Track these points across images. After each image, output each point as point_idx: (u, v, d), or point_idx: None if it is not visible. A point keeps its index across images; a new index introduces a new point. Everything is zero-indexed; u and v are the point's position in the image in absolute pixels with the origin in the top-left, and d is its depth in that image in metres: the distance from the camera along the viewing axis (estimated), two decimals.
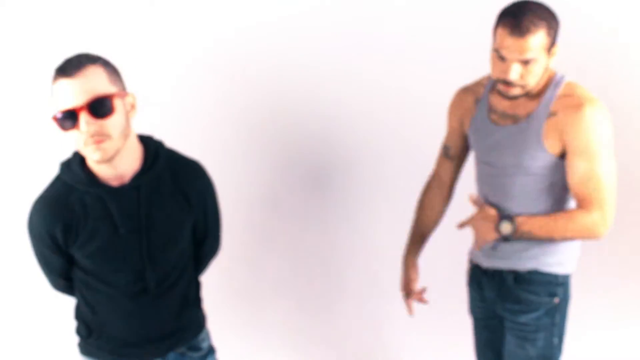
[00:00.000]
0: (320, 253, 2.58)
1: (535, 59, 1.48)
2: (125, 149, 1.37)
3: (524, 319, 1.69)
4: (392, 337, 2.64)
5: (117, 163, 1.38)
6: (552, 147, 1.57)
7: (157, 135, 2.36)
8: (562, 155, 1.58)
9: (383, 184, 2.50)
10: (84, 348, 1.57)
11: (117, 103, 1.32)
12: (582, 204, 1.54)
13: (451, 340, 2.61)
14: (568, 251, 1.68)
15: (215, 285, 2.57)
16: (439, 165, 1.90)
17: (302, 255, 2.59)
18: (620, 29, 2.32)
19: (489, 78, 1.76)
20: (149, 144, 1.47)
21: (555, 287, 1.67)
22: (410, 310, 1.95)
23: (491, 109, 1.69)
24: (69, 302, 2.48)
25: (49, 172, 2.35)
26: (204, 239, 1.61)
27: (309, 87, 2.41)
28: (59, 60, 2.30)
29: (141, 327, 1.50)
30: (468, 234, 2.50)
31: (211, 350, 1.68)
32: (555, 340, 1.71)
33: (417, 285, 2.08)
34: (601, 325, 2.61)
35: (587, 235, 1.54)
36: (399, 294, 2.56)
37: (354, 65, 2.38)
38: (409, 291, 1.93)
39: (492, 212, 1.59)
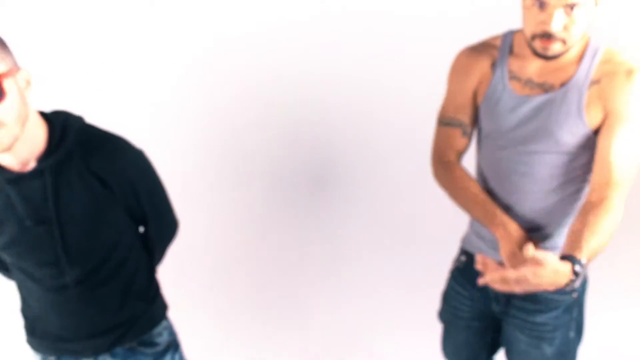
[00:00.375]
0: (321, 252, 2.58)
1: (581, 2, 1.26)
2: (24, 132, 1.19)
3: (541, 319, 1.54)
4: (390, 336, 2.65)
5: (17, 150, 1.20)
6: (592, 120, 1.38)
7: (157, 135, 2.36)
8: (596, 131, 1.40)
9: (382, 186, 2.50)
10: (30, 344, 1.47)
11: (8, 84, 1.10)
12: (600, 185, 1.34)
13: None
14: None
15: (215, 285, 2.57)
16: (448, 140, 1.58)
17: (302, 253, 2.59)
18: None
19: (500, 38, 1.51)
20: (54, 121, 1.26)
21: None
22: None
23: (512, 76, 1.45)
24: None
25: None
26: (145, 225, 1.45)
27: (310, 87, 2.41)
28: (59, 60, 2.29)
29: (73, 323, 1.38)
30: (462, 222, 2.44)
31: (172, 346, 1.54)
32: (572, 334, 1.58)
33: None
34: (614, 306, 2.53)
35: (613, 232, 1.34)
36: (399, 294, 2.56)
37: (354, 65, 2.38)
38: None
39: (564, 265, 1.24)
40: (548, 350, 1.56)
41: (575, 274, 1.24)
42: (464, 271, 1.66)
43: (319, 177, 2.52)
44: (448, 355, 1.82)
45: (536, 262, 1.21)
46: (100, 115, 2.37)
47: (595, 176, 1.36)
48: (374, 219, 2.51)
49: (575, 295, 1.53)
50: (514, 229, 1.42)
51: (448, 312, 1.73)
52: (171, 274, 2.63)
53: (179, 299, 2.65)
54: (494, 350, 1.77)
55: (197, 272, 2.63)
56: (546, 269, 1.22)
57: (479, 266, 1.29)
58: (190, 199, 2.53)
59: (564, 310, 1.53)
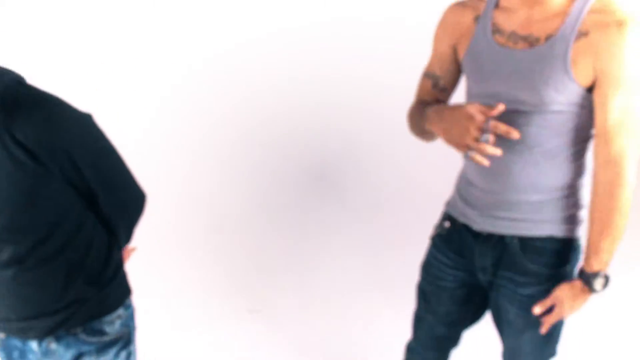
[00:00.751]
0: (320, 251, 2.58)
1: None
2: None
3: (530, 291, 1.42)
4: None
5: None
6: (581, 77, 1.24)
7: (159, 135, 2.35)
8: (590, 88, 1.26)
9: (385, 185, 2.50)
10: None
11: None
12: (604, 154, 1.26)
13: None
14: (582, 200, 1.40)
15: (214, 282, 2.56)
16: (426, 95, 1.53)
17: (302, 250, 2.59)
18: None
19: None
20: None
21: (570, 253, 1.41)
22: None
23: (496, 29, 1.34)
24: None
25: None
26: (95, 200, 1.27)
27: (311, 87, 2.40)
28: (60, 61, 2.28)
29: (13, 303, 1.26)
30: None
31: (123, 339, 1.38)
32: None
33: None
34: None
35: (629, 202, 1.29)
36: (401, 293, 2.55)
37: (354, 66, 2.38)
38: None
39: (578, 286, 1.35)
40: (536, 320, 1.46)
41: (590, 286, 1.33)
42: (447, 238, 1.54)
43: (319, 176, 2.51)
44: (421, 332, 1.69)
45: (551, 304, 1.37)
46: (102, 115, 2.36)
47: (597, 152, 1.28)
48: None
49: (568, 268, 1.43)
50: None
51: (430, 283, 1.60)
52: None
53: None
54: (474, 320, 1.66)
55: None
56: (564, 306, 1.36)
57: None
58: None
59: (554, 284, 1.43)
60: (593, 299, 1.39)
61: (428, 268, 1.61)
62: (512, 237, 1.40)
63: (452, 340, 1.68)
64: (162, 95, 2.38)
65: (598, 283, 1.33)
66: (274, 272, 2.79)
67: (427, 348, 1.69)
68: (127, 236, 1.39)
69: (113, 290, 1.34)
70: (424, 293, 1.63)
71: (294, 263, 2.82)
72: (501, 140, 1.29)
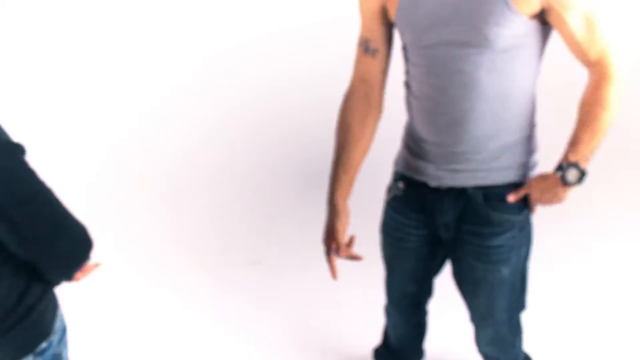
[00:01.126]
0: (322, 201, 2.57)
1: None
2: None
3: (497, 241, 1.41)
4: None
5: None
6: (523, 6, 1.20)
7: (162, 134, 2.35)
8: (537, 16, 1.24)
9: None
10: None
11: None
12: (586, 61, 1.28)
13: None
14: (535, 143, 1.43)
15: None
16: (360, 65, 1.45)
17: (303, 200, 2.58)
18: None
19: None
20: None
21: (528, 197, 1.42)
22: (335, 272, 1.51)
23: None
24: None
25: (49, 170, 2.33)
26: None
27: (312, 86, 2.43)
28: (61, 62, 2.27)
29: None
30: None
31: None
32: (524, 249, 1.48)
33: (346, 237, 1.51)
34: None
35: (619, 106, 1.28)
36: None
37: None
38: (334, 244, 1.50)
39: (552, 177, 1.32)
40: (505, 271, 1.46)
41: (563, 178, 1.29)
42: (404, 198, 1.50)
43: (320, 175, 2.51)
44: (393, 294, 1.70)
45: (524, 193, 1.36)
46: (102, 114, 2.35)
47: (582, 63, 1.29)
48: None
49: (530, 211, 1.44)
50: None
51: (393, 245, 1.58)
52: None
53: None
54: (441, 269, 1.67)
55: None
56: (534, 194, 1.35)
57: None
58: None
59: (519, 229, 1.43)
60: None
61: (389, 231, 1.58)
62: (475, 188, 1.39)
63: (426, 292, 1.70)
64: (162, 95, 2.40)
65: (571, 174, 1.29)
66: (275, 223, 2.80)
67: (403, 307, 1.73)
68: (62, 279, 1.14)
69: (9, 341, 1.08)
70: (389, 257, 1.63)
71: (294, 213, 2.84)
72: (453, 88, 1.29)
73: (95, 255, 2.01)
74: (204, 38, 2.37)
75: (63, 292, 2.34)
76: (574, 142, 1.29)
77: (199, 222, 2.91)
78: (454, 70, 1.27)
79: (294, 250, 2.80)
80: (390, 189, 1.55)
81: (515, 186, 1.39)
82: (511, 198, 1.37)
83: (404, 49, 1.40)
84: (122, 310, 2.44)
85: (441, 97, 1.32)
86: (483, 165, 1.36)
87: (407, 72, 1.42)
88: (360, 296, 2.46)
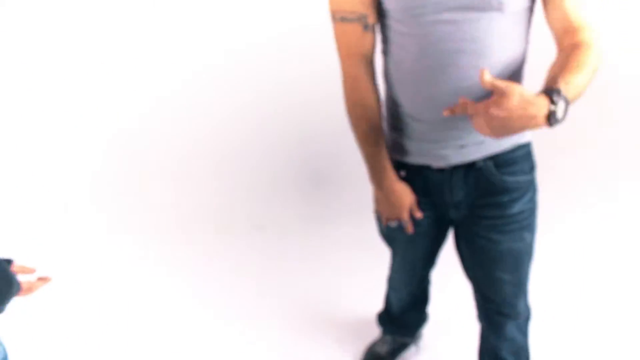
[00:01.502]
0: (325, 167, 2.59)
1: None
2: None
3: (517, 207, 1.35)
4: None
5: None
6: None
7: (164, 133, 2.37)
8: None
9: None
10: None
11: None
12: (569, 37, 1.17)
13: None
14: None
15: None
16: (361, 43, 1.28)
17: (306, 166, 2.62)
18: None
19: None
20: None
21: (533, 155, 1.38)
22: (411, 227, 1.47)
23: None
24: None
25: (48, 170, 2.35)
26: None
27: (314, 86, 2.42)
28: (62, 62, 2.28)
29: None
30: None
31: None
32: (535, 206, 1.41)
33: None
34: None
35: (598, 68, 1.14)
36: None
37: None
38: (405, 215, 1.44)
39: (537, 96, 1.04)
40: (529, 237, 1.41)
41: (553, 102, 1.03)
42: (409, 183, 1.41)
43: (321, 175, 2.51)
44: (402, 276, 1.70)
45: (499, 92, 1.02)
46: (102, 114, 2.38)
47: (562, 37, 1.18)
48: None
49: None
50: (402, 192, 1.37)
51: (401, 230, 1.51)
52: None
53: None
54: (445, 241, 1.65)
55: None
56: (513, 99, 1.02)
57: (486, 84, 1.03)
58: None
59: (533, 190, 1.38)
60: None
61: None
62: (484, 160, 1.32)
63: (431, 264, 1.71)
64: (162, 95, 2.39)
65: (560, 109, 1.05)
66: (278, 189, 2.83)
67: (411, 285, 1.75)
68: None
69: None
70: (398, 241, 1.58)
71: (297, 179, 2.87)
72: (464, 57, 1.18)
73: (107, 219, 1.95)
74: (216, 25, 2.35)
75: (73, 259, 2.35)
76: (563, 74, 1.08)
77: (203, 188, 2.92)
78: (463, 38, 1.17)
79: (297, 216, 2.82)
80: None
81: (520, 147, 1.33)
82: (486, 77, 1.05)
83: (386, 17, 1.27)
84: (125, 275, 2.47)
85: (446, 69, 1.20)
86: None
87: (390, 43, 1.29)
88: (363, 261, 2.47)
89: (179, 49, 2.44)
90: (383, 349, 1.99)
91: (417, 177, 1.39)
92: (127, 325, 2.21)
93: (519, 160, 1.33)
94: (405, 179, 1.41)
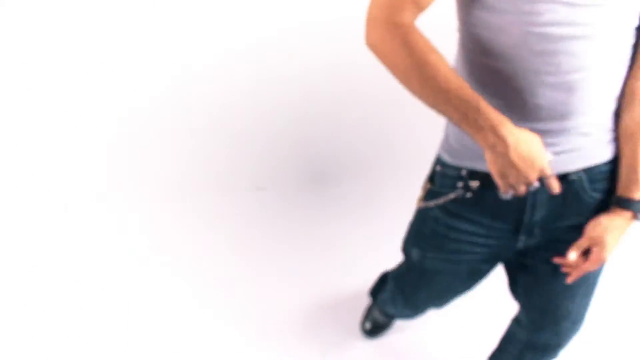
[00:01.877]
0: (326, 128, 2.59)
1: None
2: None
3: None
4: None
5: None
6: None
7: (162, 134, 2.37)
8: None
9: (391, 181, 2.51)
10: None
11: None
12: None
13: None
14: None
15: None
16: (408, 13, 0.95)
17: (308, 127, 2.64)
18: None
19: None
20: None
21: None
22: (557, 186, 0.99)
23: None
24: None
25: (48, 171, 2.35)
26: None
27: (314, 86, 2.41)
28: (63, 62, 2.28)
29: None
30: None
31: None
32: None
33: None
34: None
35: None
36: None
37: (357, 65, 2.39)
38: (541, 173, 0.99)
39: (619, 219, 0.99)
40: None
41: (637, 217, 0.96)
42: (473, 200, 1.11)
43: (322, 174, 2.52)
44: (419, 304, 1.43)
45: (597, 245, 1.00)
46: (101, 114, 2.38)
47: None
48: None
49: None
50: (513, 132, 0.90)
51: (440, 260, 1.22)
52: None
53: None
54: None
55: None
56: (608, 247, 0.98)
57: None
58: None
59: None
60: None
61: (437, 242, 1.20)
62: (578, 173, 1.05)
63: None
64: (161, 95, 2.39)
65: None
66: (279, 150, 2.81)
67: (438, 303, 1.45)
68: None
69: None
70: (430, 272, 1.27)
71: (299, 141, 2.83)
72: (572, 44, 0.91)
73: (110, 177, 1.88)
74: (219, 17, 2.34)
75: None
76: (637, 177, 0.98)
77: (203, 147, 2.91)
78: (576, 22, 0.90)
79: (298, 178, 2.79)
80: (444, 188, 1.14)
81: (613, 161, 1.06)
82: (572, 256, 1.05)
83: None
84: (125, 275, 2.47)
85: (558, 57, 0.93)
86: (592, 140, 1.02)
87: (475, 25, 0.98)
88: (363, 228, 2.43)
89: (183, 39, 2.43)
90: (380, 318, 1.96)
91: (489, 191, 1.08)
92: (127, 325, 2.21)
93: (610, 177, 1.07)
94: (474, 194, 1.10)
